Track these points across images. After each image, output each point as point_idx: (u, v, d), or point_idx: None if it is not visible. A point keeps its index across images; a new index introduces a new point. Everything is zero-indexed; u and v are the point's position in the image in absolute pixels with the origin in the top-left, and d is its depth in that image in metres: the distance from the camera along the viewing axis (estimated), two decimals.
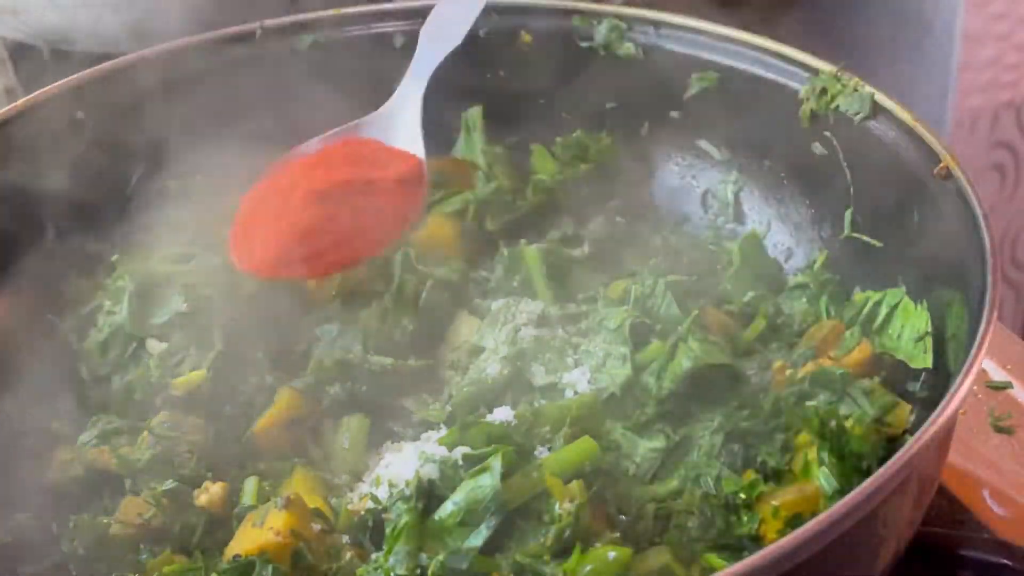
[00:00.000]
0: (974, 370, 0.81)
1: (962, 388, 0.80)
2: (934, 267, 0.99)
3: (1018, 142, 2.12)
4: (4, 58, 1.71)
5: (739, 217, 1.21)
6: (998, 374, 1.19)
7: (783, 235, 1.18)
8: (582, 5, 1.23)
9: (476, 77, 1.26)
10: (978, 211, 0.93)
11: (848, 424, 0.93)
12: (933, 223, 0.99)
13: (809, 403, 0.98)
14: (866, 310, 1.05)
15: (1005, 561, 0.89)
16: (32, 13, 1.57)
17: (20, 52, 1.70)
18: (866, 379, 0.99)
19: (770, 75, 1.14)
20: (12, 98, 1.61)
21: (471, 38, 1.23)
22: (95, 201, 1.17)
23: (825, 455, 0.92)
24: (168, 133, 1.20)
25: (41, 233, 1.14)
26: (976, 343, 0.83)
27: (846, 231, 1.10)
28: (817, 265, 1.13)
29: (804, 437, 0.94)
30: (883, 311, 1.04)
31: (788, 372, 1.02)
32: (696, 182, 1.23)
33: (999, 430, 1.12)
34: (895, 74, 2.02)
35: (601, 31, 1.22)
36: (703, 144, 1.22)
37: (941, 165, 0.98)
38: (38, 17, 1.58)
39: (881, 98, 1.06)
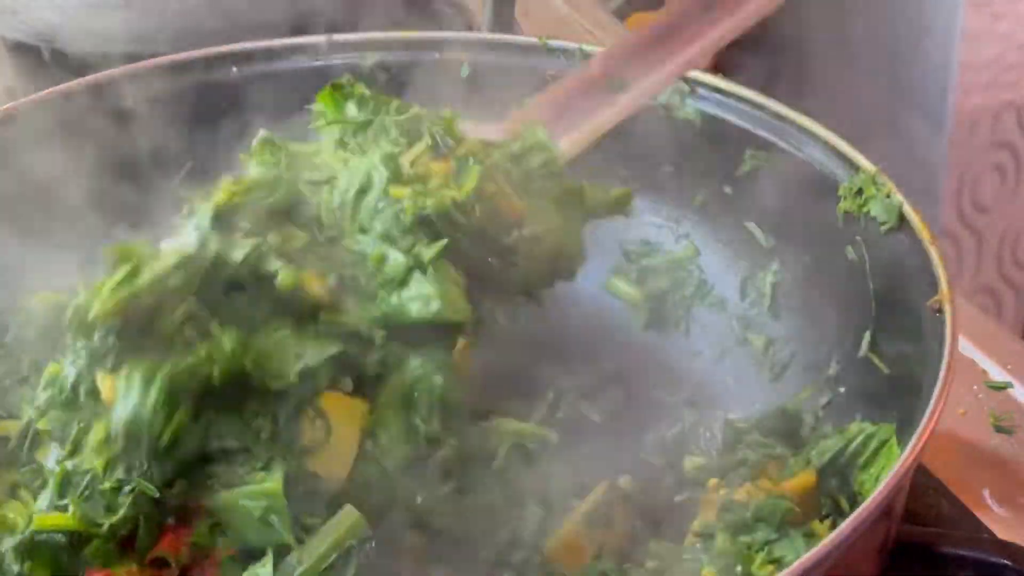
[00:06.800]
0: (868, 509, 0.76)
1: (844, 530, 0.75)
2: (910, 404, 0.92)
3: (1018, 142, 2.12)
4: (4, 58, 1.71)
5: (774, 311, 1.15)
6: (998, 374, 1.19)
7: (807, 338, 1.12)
8: None
9: None
10: (945, 358, 0.87)
11: (765, 573, 0.87)
12: (921, 357, 0.93)
13: (744, 537, 0.90)
14: (856, 443, 0.96)
15: (1005, 561, 0.89)
16: (32, 13, 1.57)
17: (20, 52, 1.70)
18: (817, 521, 0.92)
19: (817, 165, 1.08)
20: (12, 98, 1.60)
21: (536, 78, 1.18)
22: (98, 203, 1.16)
23: None
24: (173, 138, 1.20)
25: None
26: (882, 486, 0.78)
27: (863, 351, 1.03)
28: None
29: (711, 573, 0.88)
30: (872, 447, 0.95)
31: (722, 492, 0.94)
32: (737, 265, 1.18)
33: (999, 430, 1.12)
34: (895, 74, 2.02)
35: (665, 90, 1.16)
36: (751, 226, 1.16)
37: (935, 298, 0.94)
38: (38, 17, 1.58)
39: (907, 210, 1.00)
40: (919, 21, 1.95)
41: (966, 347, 1.18)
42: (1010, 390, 1.16)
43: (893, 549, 0.86)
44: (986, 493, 1.09)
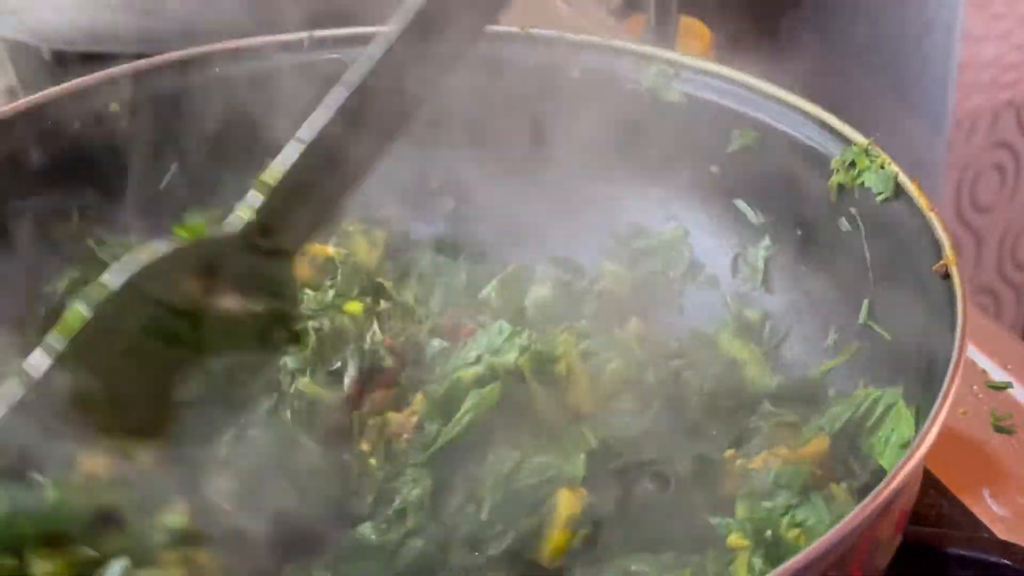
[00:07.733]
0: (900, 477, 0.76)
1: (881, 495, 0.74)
2: (921, 367, 0.93)
3: (1018, 142, 2.12)
4: (4, 58, 1.72)
5: (768, 285, 1.15)
6: (998, 374, 1.19)
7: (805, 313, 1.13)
8: (633, 46, 1.19)
9: (521, 108, 1.21)
10: (959, 321, 0.87)
11: (793, 535, 0.88)
12: (930, 322, 0.93)
13: (766, 503, 0.91)
14: (863, 408, 0.98)
15: (1005, 561, 0.89)
16: (32, 13, 1.57)
17: (20, 52, 1.70)
18: (834, 483, 0.93)
19: (807, 141, 1.08)
20: (12, 98, 1.61)
21: (518, 68, 1.19)
22: (97, 207, 1.16)
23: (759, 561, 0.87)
24: (159, 140, 1.18)
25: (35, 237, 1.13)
26: (909, 454, 0.78)
27: (861, 319, 1.04)
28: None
29: (738, 539, 0.89)
30: (878, 411, 0.97)
31: (739, 463, 0.95)
32: (728, 243, 1.18)
33: (999, 430, 1.12)
34: (895, 74, 2.02)
35: (649, 74, 1.17)
36: (740, 204, 1.16)
37: (940, 263, 0.93)
38: (38, 17, 1.58)
39: (903, 179, 1.00)
40: (919, 21, 1.95)
41: None
42: (1010, 390, 1.16)
43: (898, 548, 0.86)
44: (986, 493, 1.09)
